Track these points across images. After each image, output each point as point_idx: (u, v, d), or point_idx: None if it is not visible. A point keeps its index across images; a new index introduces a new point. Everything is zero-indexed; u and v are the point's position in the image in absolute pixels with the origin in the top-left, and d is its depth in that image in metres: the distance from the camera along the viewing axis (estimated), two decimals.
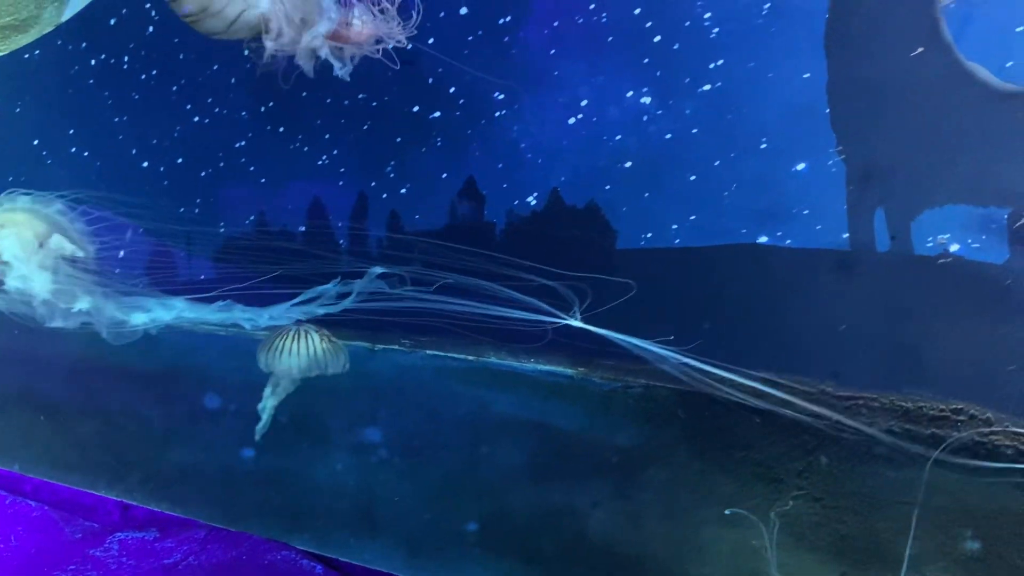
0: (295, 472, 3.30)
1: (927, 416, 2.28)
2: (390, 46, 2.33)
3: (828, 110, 2.28)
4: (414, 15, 2.15)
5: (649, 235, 2.68)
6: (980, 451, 2.21)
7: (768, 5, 2.28)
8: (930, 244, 2.22)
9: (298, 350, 2.88)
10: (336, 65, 2.33)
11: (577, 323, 2.68)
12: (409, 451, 3.10)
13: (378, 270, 2.78)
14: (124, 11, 3.13)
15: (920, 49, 1.99)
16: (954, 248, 2.20)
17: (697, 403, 2.62)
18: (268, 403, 2.99)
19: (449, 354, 2.98)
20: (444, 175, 2.90)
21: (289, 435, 3.26)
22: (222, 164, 3.16)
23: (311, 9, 2.13)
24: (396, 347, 3.03)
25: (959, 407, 2.24)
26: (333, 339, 2.91)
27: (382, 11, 2.14)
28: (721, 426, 2.59)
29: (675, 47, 2.43)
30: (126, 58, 3.23)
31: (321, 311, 2.83)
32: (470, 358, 2.93)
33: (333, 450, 3.24)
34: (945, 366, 2.26)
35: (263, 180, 3.14)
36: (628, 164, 2.64)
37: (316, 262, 2.95)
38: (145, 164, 3.29)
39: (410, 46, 2.18)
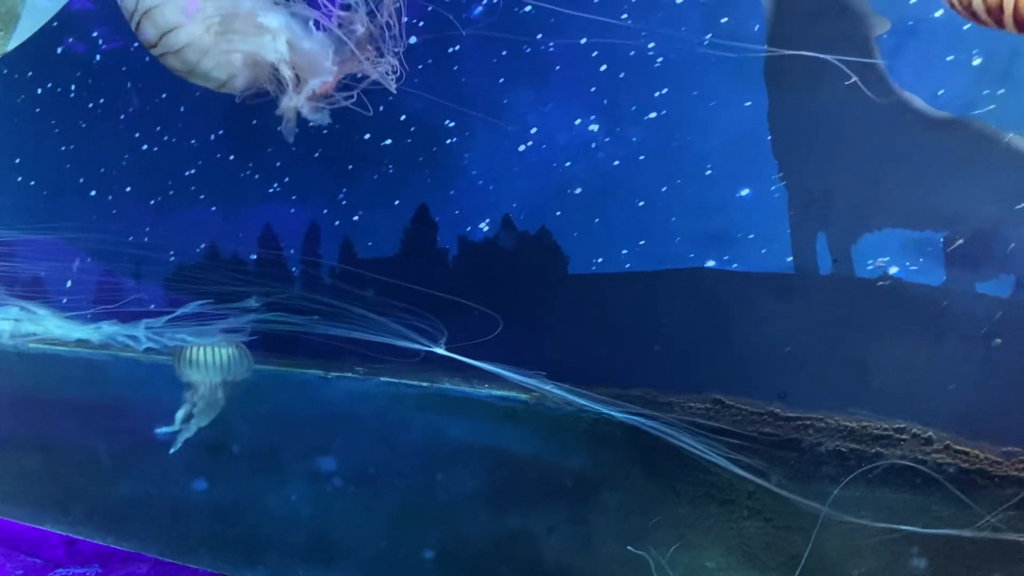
0: (248, 503, 3.26)
1: (871, 435, 2.32)
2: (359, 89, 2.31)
3: (769, 137, 2.33)
4: (399, 61, 2.14)
5: (600, 260, 2.71)
6: (922, 469, 2.26)
7: (709, 36, 2.34)
8: (870, 267, 2.28)
9: (206, 357, 2.86)
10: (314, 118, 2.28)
11: (441, 351, 2.71)
12: (364, 479, 3.08)
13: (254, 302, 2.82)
14: (70, 40, 3.11)
15: (855, 79, 2.05)
16: (893, 271, 2.26)
17: (649, 425, 2.64)
18: (183, 411, 2.96)
19: (403, 380, 2.97)
20: (396, 202, 2.91)
21: (242, 466, 3.22)
22: (172, 192, 3.13)
23: (309, 65, 2.12)
24: (350, 374, 3.02)
25: (901, 426, 2.28)
26: (239, 344, 2.89)
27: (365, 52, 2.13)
28: (672, 448, 2.61)
29: (621, 76, 2.48)
30: (73, 87, 3.20)
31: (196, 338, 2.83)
32: (424, 384, 2.93)
33: (287, 480, 3.20)
34: (887, 386, 2.31)
35: (213, 208, 3.12)
36: (578, 190, 2.67)
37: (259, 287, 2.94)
38: (93, 193, 3.25)
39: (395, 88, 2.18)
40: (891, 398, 2.30)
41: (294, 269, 3.04)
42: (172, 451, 3.01)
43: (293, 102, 2.10)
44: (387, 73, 2.09)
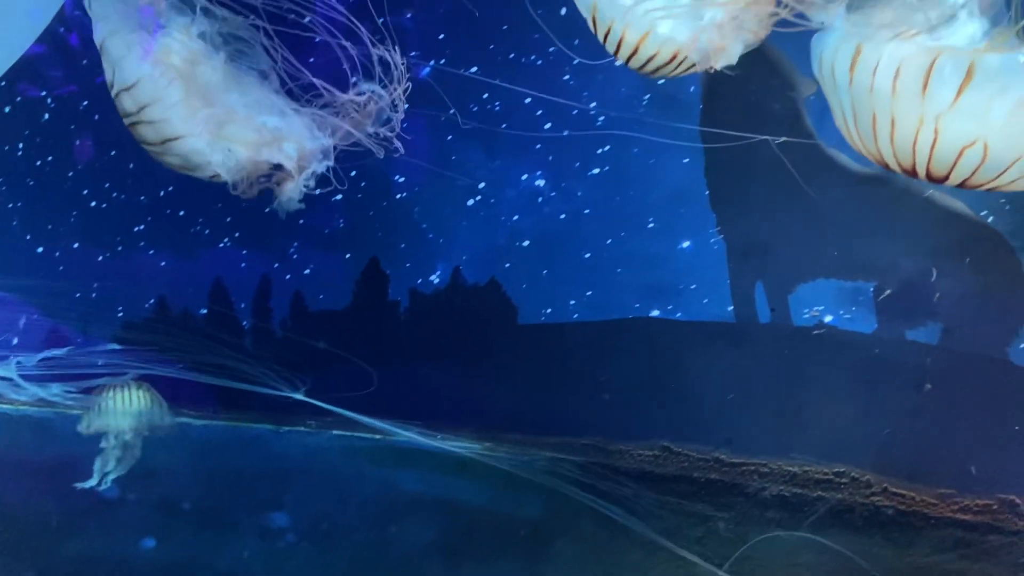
0: (199, 561, 3.20)
1: (813, 479, 2.39)
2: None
3: (707, 192, 2.42)
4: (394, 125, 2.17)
5: (549, 311, 2.76)
6: (862, 512, 2.33)
7: (648, 96, 2.43)
8: (806, 315, 2.36)
9: (120, 405, 2.82)
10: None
11: (299, 396, 2.75)
12: (317, 534, 3.05)
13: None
14: (18, 99, 3.10)
15: (784, 138, 2.15)
16: (828, 319, 2.34)
17: (600, 474, 2.68)
18: (99, 462, 2.90)
19: (356, 433, 2.97)
20: (348, 255, 2.94)
21: (192, 523, 3.17)
22: (120, 248, 3.12)
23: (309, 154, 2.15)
24: (302, 428, 3.01)
25: (841, 470, 2.35)
26: (149, 388, 2.86)
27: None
28: (623, 495, 2.64)
29: (565, 133, 2.55)
30: (21, 145, 3.19)
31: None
32: (377, 436, 2.93)
33: (239, 537, 3.16)
34: (827, 431, 2.38)
35: (163, 264, 3.11)
36: (526, 243, 2.73)
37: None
38: (40, 249, 3.22)
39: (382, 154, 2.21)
40: (830, 443, 2.37)
41: (245, 323, 3.04)
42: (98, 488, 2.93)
43: (293, 185, 2.12)
44: (380, 144, 2.13)
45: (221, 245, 3.02)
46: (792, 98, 2.27)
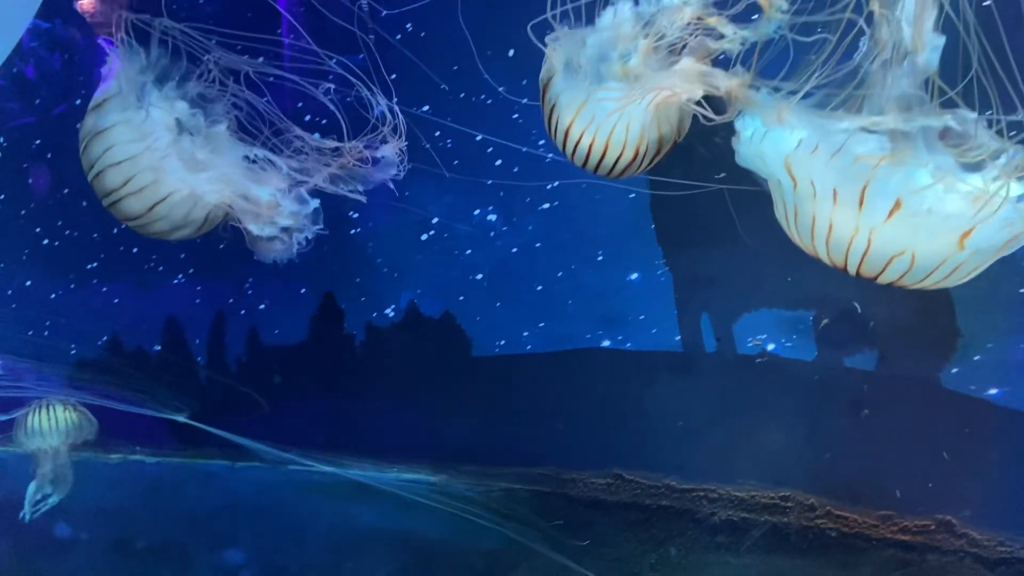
0: None
1: (760, 504, 2.45)
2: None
3: (653, 226, 2.50)
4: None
5: (503, 342, 2.81)
6: (808, 535, 2.39)
7: None
8: (750, 344, 2.44)
9: (45, 424, 2.80)
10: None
11: (183, 419, 2.78)
12: (273, 571, 3.04)
13: None
14: None
15: (723, 174, 2.23)
16: (770, 347, 2.42)
17: (554, 503, 2.71)
18: (33, 486, 2.87)
19: (311, 468, 2.97)
20: (303, 290, 2.96)
21: (147, 562, 3.14)
22: (73, 286, 3.11)
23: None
24: (257, 463, 3.00)
25: (786, 494, 2.42)
26: (79, 407, 2.84)
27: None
28: (577, 523, 2.68)
29: (515, 170, 2.62)
30: None
31: None
32: (332, 471, 2.94)
33: (194, 575, 3.13)
34: (772, 456, 2.45)
35: (116, 301, 3.11)
36: (479, 276, 2.78)
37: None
38: None
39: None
40: (776, 467, 2.44)
41: (199, 359, 3.04)
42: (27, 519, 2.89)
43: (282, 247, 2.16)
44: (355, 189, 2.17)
45: (175, 281, 3.03)
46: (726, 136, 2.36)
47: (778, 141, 1.53)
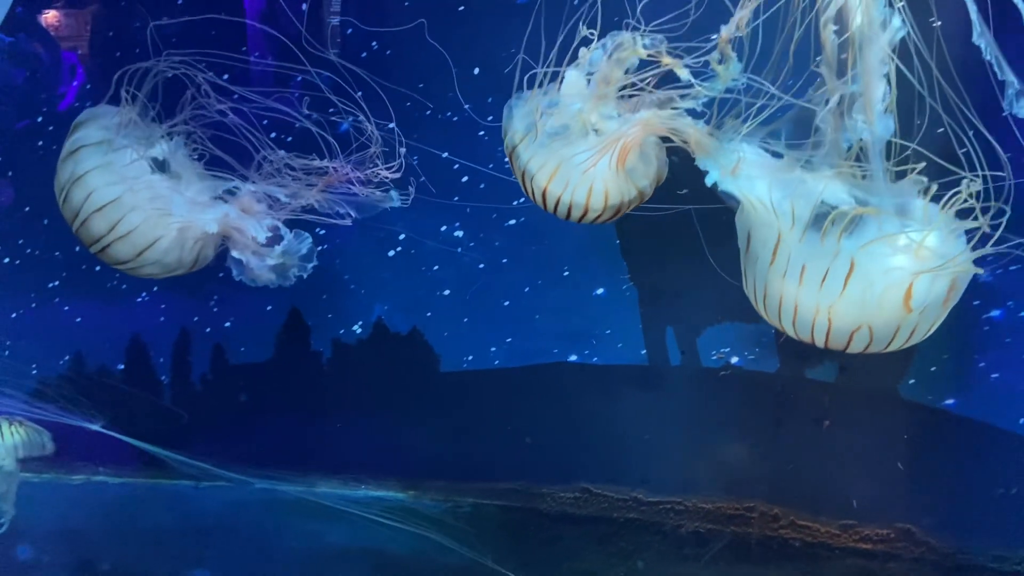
0: None
1: (725, 515, 2.48)
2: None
3: (618, 242, 2.53)
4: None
5: (470, 358, 2.82)
6: (772, 544, 2.43)
7: None
8: (714, 357, 2.48)
9: None
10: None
11: (96, 427, 2.78)
12: None
13: None
14: None
15: (685, 190, 2.27)
16: (734, 360, 2.46)
17: (522, 518, 2.73)
18: None
19: (279, 486, 2.95)
20: (269, 307, 2.95)
21: None
22: (34, 305, 3.07)
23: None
24: (222, 483, 2.97)
25: (751, 505, 2.46)
26: (25, 423, 2.81)
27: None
28: (546, 537, 2.70)
29: (481, 186, 2.64)
30: None
31: None
32: (300, 489, 2.92)
33: None
34: (736, 467, 2.49)
35: (79, 319, 3.07)
36: (447, 292, 2.79)
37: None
38: None
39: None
40: (740, 479, 2.47)
41: (163, 377, 3.01)
42: None
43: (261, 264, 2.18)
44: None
45: (139, 299, 2.99)
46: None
47: (744, 187, 1.61)
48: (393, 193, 2.19)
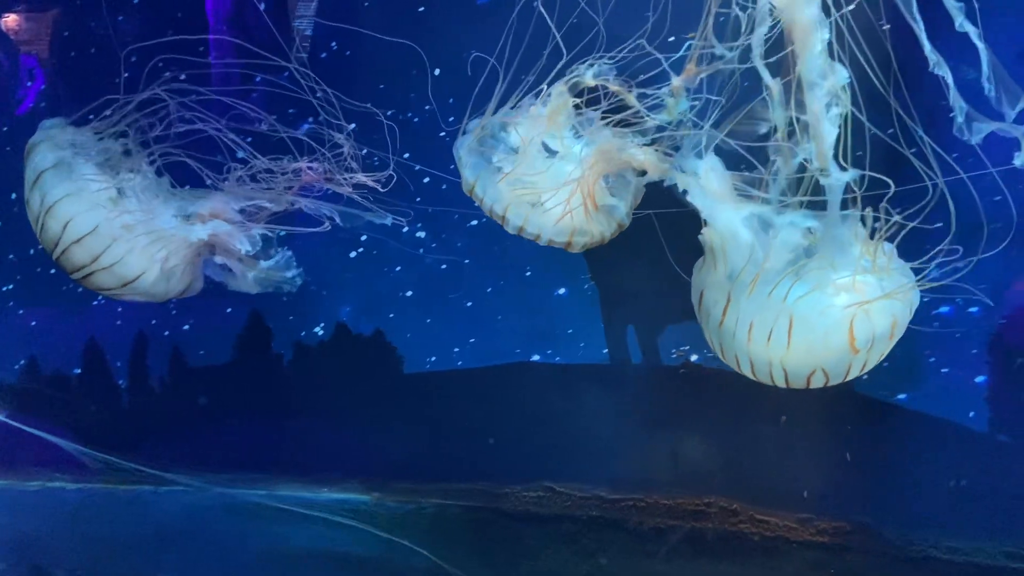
0: None
1: (685, 511, 2.52)
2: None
3: None
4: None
5: (433, 359, 2.82)
6: (731, 539, 2.47)
7: None
8: (674, 355, 2.51)
9: None
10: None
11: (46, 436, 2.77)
12: None
13: None
14: None
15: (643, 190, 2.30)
16: (694, 358, 2.49)
17: (486, 517, 2.73)
18: None
19: (240, 490, 2.93)
20: (228, 310, 2.92)
21: None
22: None
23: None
24: (181, 487, 2.94)
25: (710, 501, 2.49)
26: None
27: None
28: (509, 537, 2.71)
29: (443, 187, 2.65)
30: None
31: None
32: (261, 492, 2.90)
33: None
34: (697, 463, 2.53)
35: (33, 323, 3.02)
36: (409, 293, 2.79)
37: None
38: None
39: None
40: (700, 475, 2.51)
41: (121, 382, 2.97)
42: None
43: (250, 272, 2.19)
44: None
45: (95, 303, 2.95)
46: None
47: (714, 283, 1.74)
48: (388, 217, 2.23)
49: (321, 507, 2.86)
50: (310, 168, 2.19)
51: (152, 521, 2.98)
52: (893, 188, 1.59)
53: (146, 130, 2.09)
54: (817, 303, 1.58)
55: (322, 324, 2.86)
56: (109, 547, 3.00)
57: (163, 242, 2.02)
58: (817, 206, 1.64)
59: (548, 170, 1.89)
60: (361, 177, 2.17)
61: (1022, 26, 2.04)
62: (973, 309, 2.05)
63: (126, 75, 2.64)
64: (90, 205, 1.94)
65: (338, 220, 2.26)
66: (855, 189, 1.60)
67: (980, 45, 1.51)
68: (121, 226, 1.95)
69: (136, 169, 2.05)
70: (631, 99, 1.78)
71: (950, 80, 1.53)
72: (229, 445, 2.96)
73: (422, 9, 2.53)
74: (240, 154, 2.20)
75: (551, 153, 1.91)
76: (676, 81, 1.72)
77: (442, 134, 2.58)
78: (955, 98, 1.55)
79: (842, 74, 1.53)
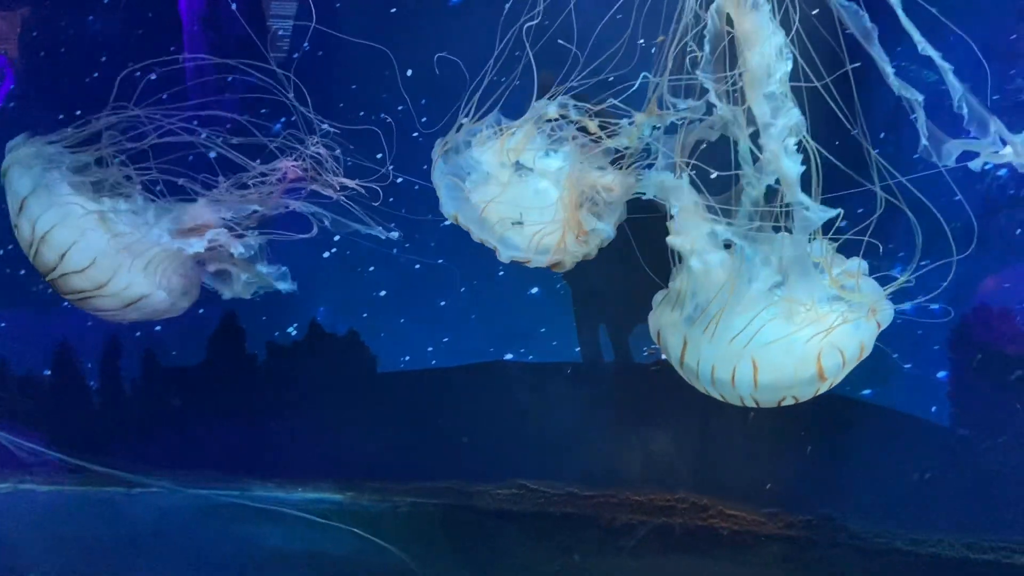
0: None
1: (657, 506, 2.55)
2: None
3: None
4: None
5: (407, 358, 2.84)
6: (701, 533, 2.51)
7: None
8: (645, 353, 2.54)
9: None
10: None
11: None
12: None
13: None
14: None
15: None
16: (664, 356, 2.52)
17: (460, 516, 2.75)
18: None
19: (213, 491, 2.92)
20: (201, 310, 2.90)
21: None
22: None
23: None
24: (155, 489, 2.93)
25: (681, 496, 2.53)
26: None
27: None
28: (483, 534, 2.73)
29: (416, 188, 2.66)
30: None
31: None
32: (235, 493, 2.90)
33: None
34: (667, 459, 2.56)
35: (3, 324, 2.99)
36: (383, 293, 2.80)
37: None
38: None
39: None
40: (671, 471, 2.55)
41: (92, 383, 2.95)
42: None
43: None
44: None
45: (66, 303, 2.92)
46: None
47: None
48: (384, 231, 2.26)
49: (295, 507, 2.87)
50: (294, 167, 2.21)
51: (124, 523, 2.96)
52: (840, 212, 1.63)
53: (123, 142, 2.08)
54: (781, 343, 1.61)
55: (296, 324, 2.87)
56: (81, 550, 2.98)
57: (161, 258, 2.03)
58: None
59: (526, 191, 1.93)
60: (346, 181, 2.19)
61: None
62: (935, 306, 2.09)
63: (95, 74, 2.64)
64: (84, 232, 1.94)
65: (327, 223, 2.28)
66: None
67: (946, 66, 1.56)
68: (120, 250, 1.95)
69: (119, 186, 2.05)
70: (592, 127, 1.83)
71: (920, 102, 1.58)
72: (202, 446, 2.95)
73: (394, 10, 2.54)
74: (212, 154, 2.20)
75: (526, 171, 1.94)
76: (638, 117, 1.78)
77: (415, 134, 2.60)
78: (922, 126, 1.60)
79: (794, 114, 1.57)
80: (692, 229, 1.73)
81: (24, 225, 1.95)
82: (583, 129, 1.87)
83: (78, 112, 2.71)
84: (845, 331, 1.60)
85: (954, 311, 2.24)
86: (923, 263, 1.92)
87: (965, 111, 1.57)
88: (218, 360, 2.91)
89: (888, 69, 1.56)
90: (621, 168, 1.85)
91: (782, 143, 1.56)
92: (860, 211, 1.86)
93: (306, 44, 2.61)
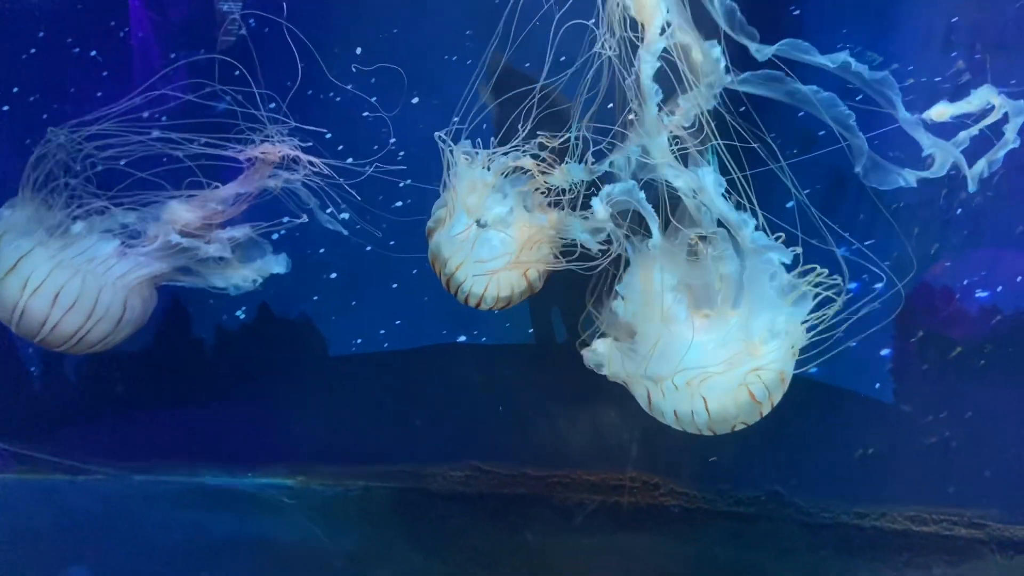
0: None
1: (609, 486, 2.58)
2: None
3: None
4: None
5: (360, 341, 2.81)
6: (652, 511, 2.55)
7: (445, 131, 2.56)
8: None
9: None
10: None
11: None
12: None
13: None
14: None
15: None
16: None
17: (413, 498, 2.75)
18: None
19: (161, 477, 2.87)
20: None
21: None
22: None
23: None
24: (100, 476, 2.87)
25: (633, 475, 2.56)
26: None
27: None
28: (436, 516, 2.73)
29: (368, 170, 2.63)
30: None
31: None
32: (183, 479, 2.85)
33: None
34: (619, 439, 2.58)
35: None
36: (333, 275, 2.77)
37: None
38: None
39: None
40: (623, 450, 2.57)
41: (33, 368, 2.88)
42: None
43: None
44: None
45: None
46: None
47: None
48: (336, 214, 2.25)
49: (245, 492, 2.83)
50: (265, 153, 2.21)
51: (69, 512, 2.90)
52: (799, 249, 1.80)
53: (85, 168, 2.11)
54: (721, 382, 1.85)
55: (244, 308, 2.82)
56: (25, 539, 2.91)
57: (139, 273, 2.15)
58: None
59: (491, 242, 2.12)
60: (317, 161, 2.20)
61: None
62: (878, 285, 2.14)
63: (32, 51, 2.56)
64: (71, 272, 2.02)
65: (316, 213, 2.32)
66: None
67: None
68: (113, 282, 2.06)
69: (86, 217, 2.09)
70: (540, 178, 2.03)
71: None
72: (149, 432, 2.90)
73: None
74: (155, 133, 2.15)
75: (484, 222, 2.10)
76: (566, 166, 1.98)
77: (364, 114, 2.57)
78: (857, 157, 1.77)
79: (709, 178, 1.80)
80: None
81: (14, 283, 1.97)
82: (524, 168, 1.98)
83: (15, 90, 2.64)
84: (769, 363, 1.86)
85: (896, 290, 2.30)
86: (867, 243, 1.96)
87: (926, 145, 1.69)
88: (164, 344, 2.85)
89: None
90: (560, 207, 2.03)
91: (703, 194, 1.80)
92: (807, 192, 1.89)
93: (252, 21, 2.56)
